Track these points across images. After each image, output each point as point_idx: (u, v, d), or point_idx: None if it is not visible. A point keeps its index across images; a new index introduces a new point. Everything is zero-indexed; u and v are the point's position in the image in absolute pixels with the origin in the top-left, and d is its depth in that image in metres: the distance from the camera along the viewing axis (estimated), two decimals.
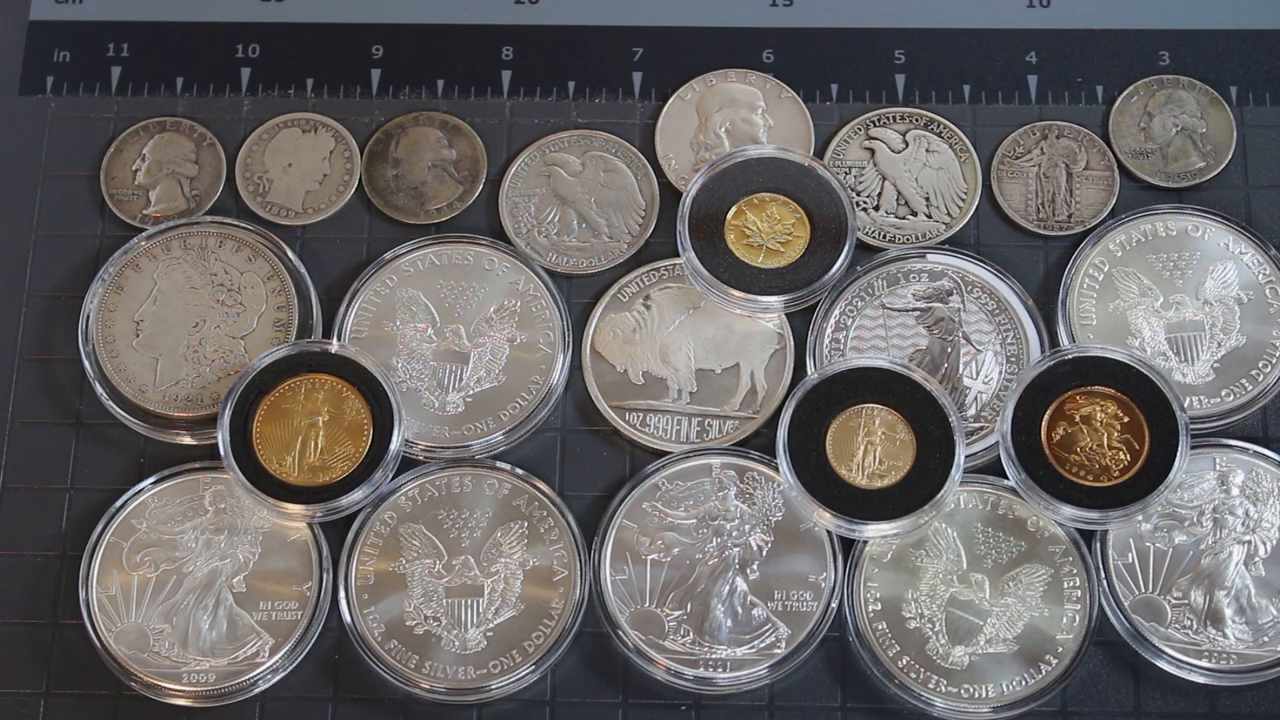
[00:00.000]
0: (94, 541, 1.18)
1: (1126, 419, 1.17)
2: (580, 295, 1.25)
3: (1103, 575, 1.16)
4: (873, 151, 1.27)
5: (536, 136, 1.28)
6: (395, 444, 1.18)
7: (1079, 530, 1.17)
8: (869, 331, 1.22)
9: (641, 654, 1.16)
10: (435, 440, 1.20)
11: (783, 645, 1.16)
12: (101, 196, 1.27)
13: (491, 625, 1.17)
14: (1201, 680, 1.15)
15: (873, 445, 1.18)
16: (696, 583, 1.17)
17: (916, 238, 1.25)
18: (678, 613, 1.17)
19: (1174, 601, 1.16)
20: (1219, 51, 1.29)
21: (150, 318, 1.23)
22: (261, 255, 1.24)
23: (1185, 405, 1.18)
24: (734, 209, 1.24)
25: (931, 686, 1.15)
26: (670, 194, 1.26)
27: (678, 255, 1.24)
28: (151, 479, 1.20)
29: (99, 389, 1.21)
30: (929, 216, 1.26)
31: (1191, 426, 1.17)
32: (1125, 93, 1.28)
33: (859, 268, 1.24)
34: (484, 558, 1.18)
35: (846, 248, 1.22)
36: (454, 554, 1.18)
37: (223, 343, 1.22)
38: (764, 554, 1.18)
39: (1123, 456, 1.17)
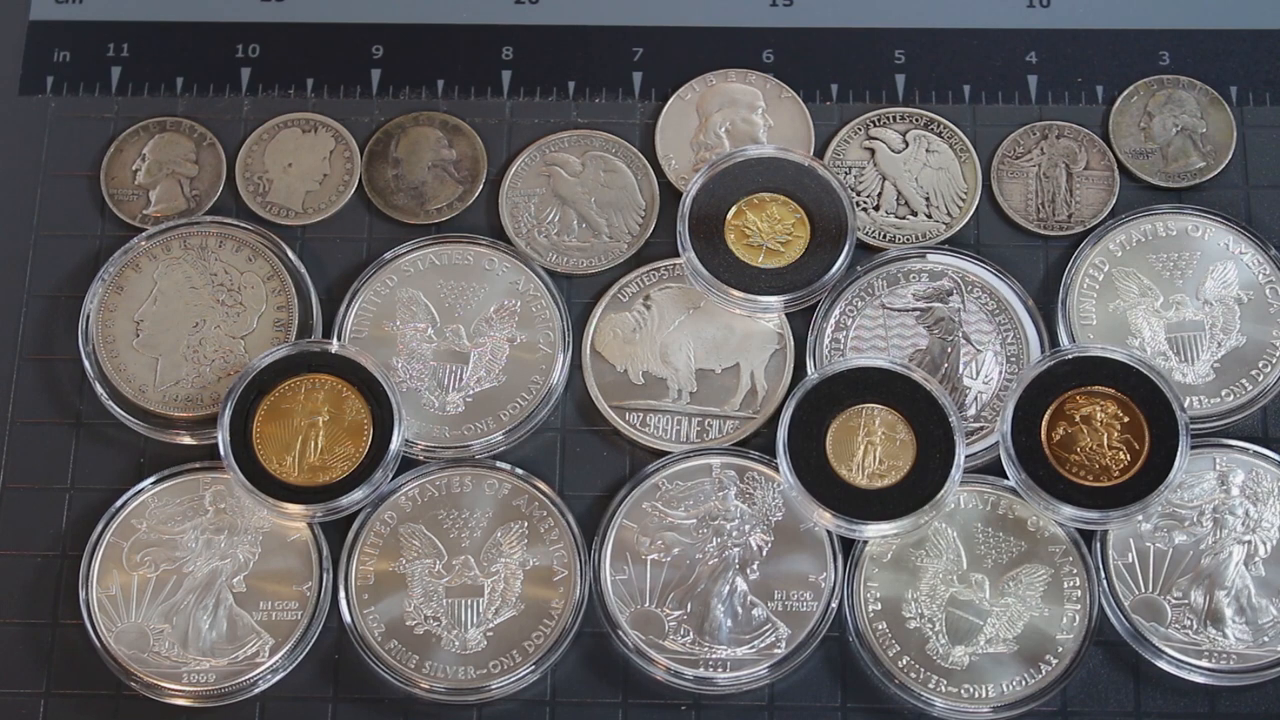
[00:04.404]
0: (94, 541, 1.18)
1: (1126, 419, 1.17)
2: (580, 295, 1.25)
3: (1103, 575, 1.16)
4: (873, 151, 1.27)
5: (536, 136, 1.28)
6: (395, 444, 1.18)
7: (1079, 530, 1.17)
8: (869, 331, 1.22)
9: (641, 654, 1.16)
10: (435, 440, 1.21)
11: (783, 645, 1.16)
12: (101, 196, 1.27)
13: (491, 625, 1.17)
14: (1201, 680, 1.15)
15: (873, 445, 1.18)
16: (696, 583, 1.17)
17: (916, 238, 1.25)
18: (678, 613, 1.17)
19: (1174, 601, 1.16)
20: (1219, 51, 1.29)
21: (150, 318, 1.23)
22: (261, 255, 1.24)
23: (1185, 405, 1.18)
24: (734, 209, 1.24)
25: (931, 686, 1.15)
26: (670, 194, 1.26)
27: (678, 255, 1.24)
28: (151, 479, 1.20)
29: (99, 389, 1.21)
30: (929, 216, 1.26)
31: (1191, 426, 1.17)
32: (1125, 93, 1.28)
33: (859, 268, 1.24)
34: (484, 558, 1.18)
35: (846, 248, 1.22)
36: (454, 554, 1.18)
37: (223, 343, 1.22)
38: (764, 554, 1.18)
39: (1123, 456, 1.17)
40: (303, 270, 1.24)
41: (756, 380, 1.22)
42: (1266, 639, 1.16)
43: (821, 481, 1.17)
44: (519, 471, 1.20)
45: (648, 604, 1.17)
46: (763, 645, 1.16)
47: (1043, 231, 1.25)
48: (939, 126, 1.28)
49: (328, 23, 1.32)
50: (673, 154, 1.28)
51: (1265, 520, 1.17)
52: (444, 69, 1.30)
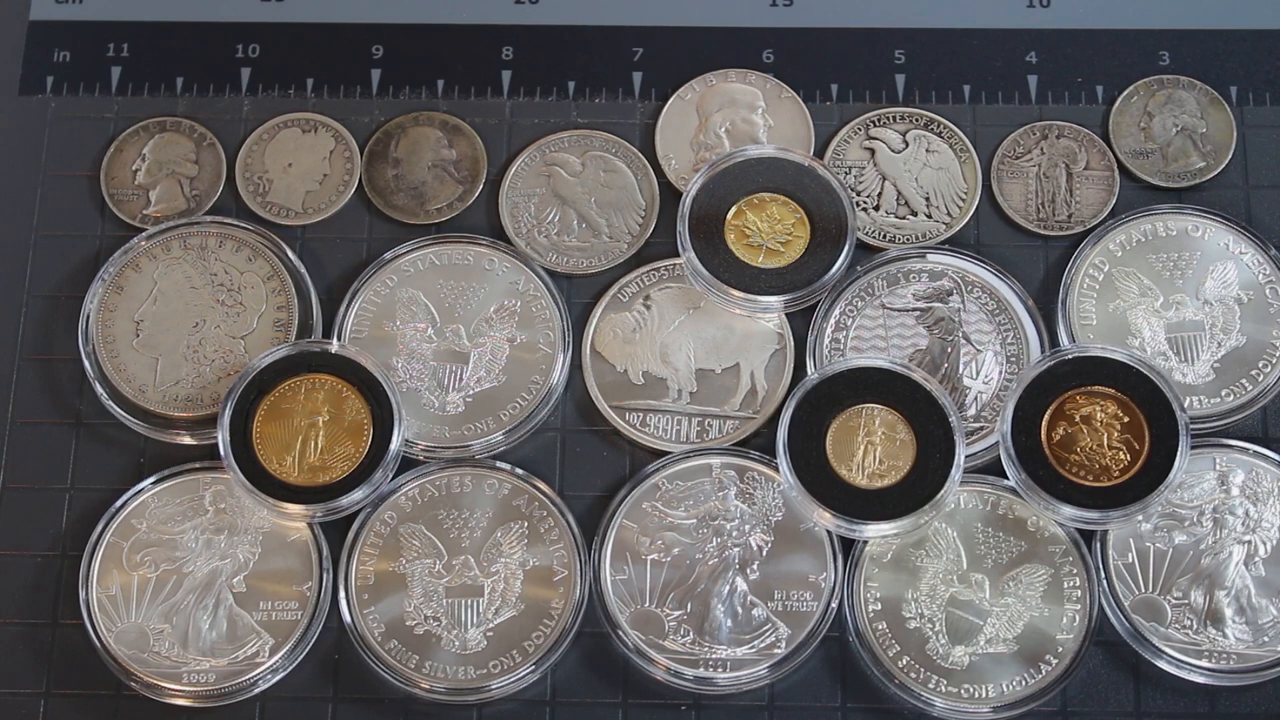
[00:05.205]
0: (94, 541, 1.18)
1: (1126, 419, 1.17)
2: (580, 295, 1.25)
3: (1103, 575, 1.16)
4: (873, 151, 1.27)
5: (536, 136, 1.28)
6: (395, 444, 1.18)
7: (1079, 530, 1.17)
8: (869, 331, 1.22)
9: (641, 654, 1.16)
10: (435, 440, 1.20)
11: (783, 645, 1.16)
12: (101, 196, 1.27)
13: (491, 625, 1.17)
14: (1201, 680, 1.15)
15: (873, 445, 1.18)
16: (696, 583, 1.17)
17: (916, 238, 1.25)
18: (678, 613, 1.17)
19: (1174, 601, 1.16)
20: (1219, 51, 1.29)
21: (150, 318, 1.23)
22: (261, 255, 1.24)
23: (1185, 405, 1.18)
24: (734, 209, 1.24)
25: (931, 686, 1.15)
26: (670, 194, 1.26)
27: (678, 255, 1.24)
28: (151, 479, 1.20)
29: (99, 389, 1.21)
30: (929, 216, 1.26)
31: (1191, 426, 1.17)
32: (1125, 93, 1.28)
33: (859, 268, 1.24)
34: (484, 558, 1.18)
35: (846, 248, 1.22)
36: (454, 554, 1.18)
37: (223, 343, 1.22)
38: (764, 554, 1.18)
39: (1123, 456, 1.17)
40: (303, 270, 1.24)
41: (756, 380, 1.22)
42: (1266, 639, 1.16)
43: (821, 481, 1.17)
44: (519, 471, 1.20)
45: (648, 604, 1.17)
46: (763, 645, 1.16)
47: (1043, 231, 1.25)
48: (939, 126, 1.28)
49: (328, 23, 1.32)
50: (673, 154, 1.28)
51: (1265, 520, 1.17)
52: (444, 69, 1.30)
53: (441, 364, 1.22)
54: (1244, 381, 1.21)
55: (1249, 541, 1.17)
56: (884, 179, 1.27)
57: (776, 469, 1.18)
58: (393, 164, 1.28)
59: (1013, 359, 1.22)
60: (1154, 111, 1.28)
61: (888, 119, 1.28)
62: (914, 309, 1.23)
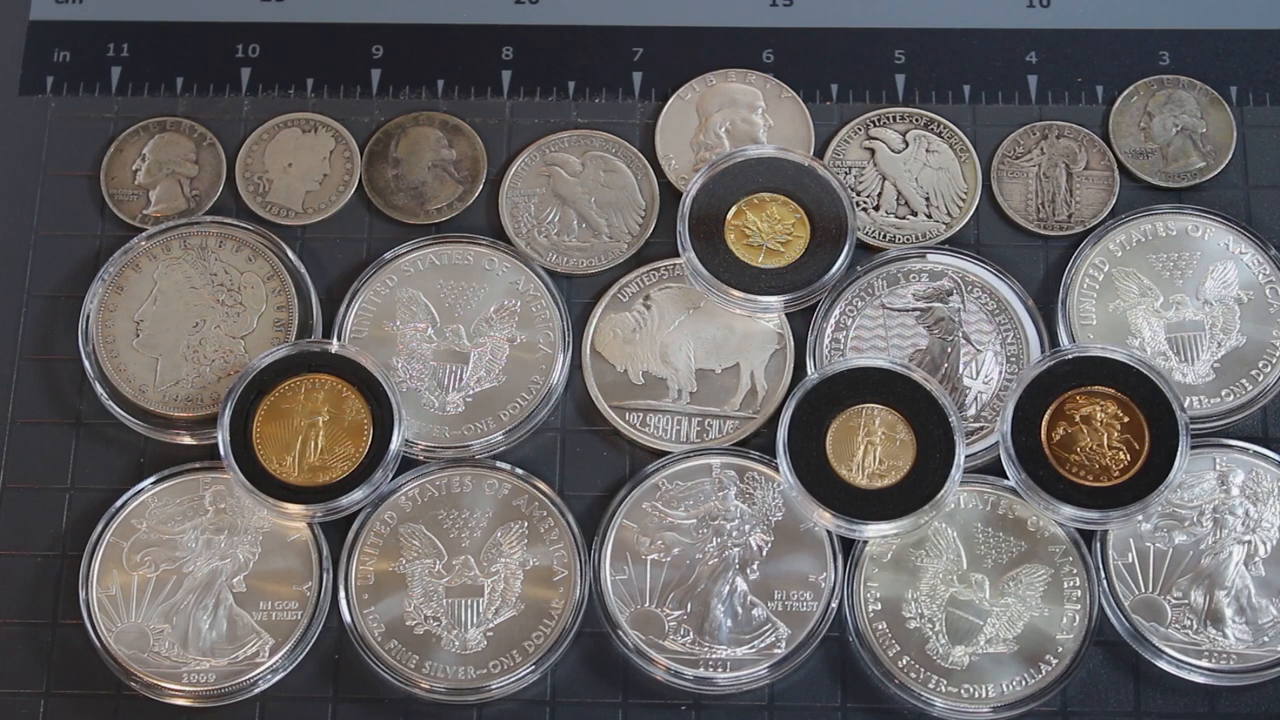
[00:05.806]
0: (94, 541, 1.18)
1: (1126, 419, 1.17)
2: (580, 295, 1.25)
3: (1103, 575, 1.16)
4: (873, 151, 1.27)
5: (536, 136, 1.28)
6: (395, 444, 1.18)
7: (1079, 530, 1.17)
8: (869, 331, 1.22)
9: (641, 654, 1.16)
10: (435, 440, 1.21)
11: (783, 645, 1.16)
12: (101, 196, 1.27)
13: (491, 625, 1.17)
14: (1201, 680, 1.15)
15: (873, 445, 1.18)
16: (696, 583, 1.17)
17: (916, 238, 1.25)
18: (678, 613, 1.17)
19: (1174, 601, 1.16)
20: (1219, 51, 1.29)
21: (150, 318, 1.23)
22: (261, 255, 1.24)
23: (1185, 405, 1.18)
24: (734, 209, 1.24)
25: (931, 686, 1.15)
26: (670, 194, 1.26)
27: (678, 255, 1.24)
28: (151, 479, 1.20)
29: (99, 389, 1.21)
30: (929, 216, 1.26)
31: (1191, 426, 1.17)
32: (1125, 93, 1.28)
33: (859, 268, 1.24)
34: (484, 558, 1.18)
35: (846, 248, 1.22)
36: (454, 554, 1.18)
37: (223, 343, 1.22)
38: (764, 554, 1.18)
39: (1123, 456, 1.17)
40: (303, 270, 1.24)
41: (756, 380, 1.22)
42: (1266, 639, 1.16)
43: (821, 481, 1.17)
44: (519, 471, 1.20)
45: (648, 604, 1.17)
46: (763, 645, 1.16)
47: (1043, 231, 1.25)
48: (939, 126, 1.28)
49: (328, 23, 1.32)
50: (673, 154, 1.28)
51: (1265, 520, 1.17)
52: (444, 69, 1.30)
53: (441, 364, 1.22)
54: (1244, 381, 1.21)
55: (1249, 541, 1.17)
56: (884, 179, 1.27)
57: (776, 469, 1.18)
58: (393, 164, 1.28)
59: (1013, 359, 1.22)
60: (1154, 111, 1.28)
61: (888, 119, 1.28)
62: (914, 309, 1.23)
